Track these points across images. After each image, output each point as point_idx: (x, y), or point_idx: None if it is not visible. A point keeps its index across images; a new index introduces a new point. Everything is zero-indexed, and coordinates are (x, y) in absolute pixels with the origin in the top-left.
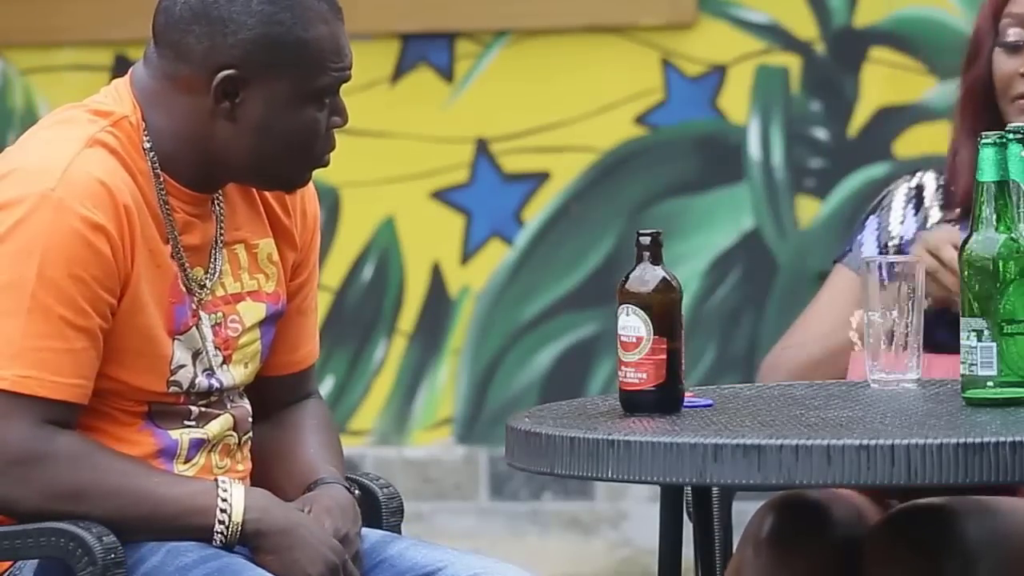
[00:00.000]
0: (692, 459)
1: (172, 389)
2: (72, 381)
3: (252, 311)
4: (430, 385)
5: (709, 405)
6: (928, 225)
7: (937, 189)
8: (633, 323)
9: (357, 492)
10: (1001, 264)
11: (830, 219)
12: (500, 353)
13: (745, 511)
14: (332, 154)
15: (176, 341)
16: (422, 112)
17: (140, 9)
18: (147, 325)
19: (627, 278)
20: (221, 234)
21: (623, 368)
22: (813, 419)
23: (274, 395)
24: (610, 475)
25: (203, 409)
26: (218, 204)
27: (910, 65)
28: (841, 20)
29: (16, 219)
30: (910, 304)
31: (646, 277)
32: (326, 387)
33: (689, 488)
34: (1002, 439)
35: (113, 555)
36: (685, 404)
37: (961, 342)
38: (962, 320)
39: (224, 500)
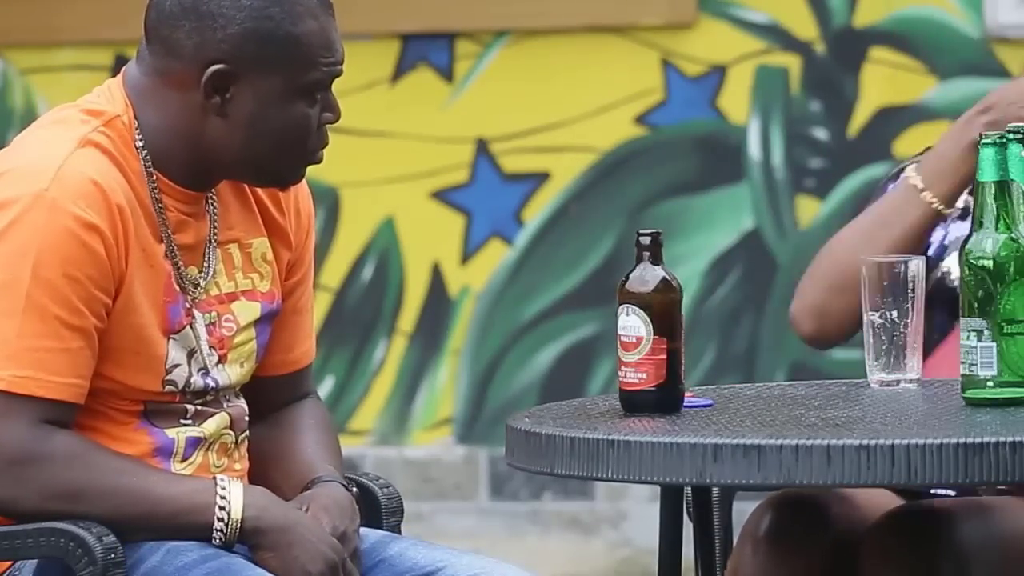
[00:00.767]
0: (692, 459)
1: (168, 388)
2: (69, 381)
3: (246, 310)
4: (430, 385)
5: (709, 405)
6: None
7: None
8: (633, 323)
9: (355, 490)
10: (1001, 264)
11: (830, 219)
12: (500, 353)
13: (745, 511)
14: (332, 155)
15: (171, 340)
16: (422, 112)
17: (140, 9)
18: (141, 324)
19: (627, 278)
20: (214, 233)
21: (623, 368)
22: (813, 419)
23: (271, 395)
24: (610, 475)
25: (199, 408)
26: (211, 203)
27: (910, 65)
28: (841, 20)
29: (10, 220)
30: (910, 304)
31: (646, 277)
32: (326, 387)
33: (689, 488)
34: (1002, 439)
35: (113, 555)
36: (685, 404)
37: (961, 342)
38: (962, 320)
39: (223, 498)
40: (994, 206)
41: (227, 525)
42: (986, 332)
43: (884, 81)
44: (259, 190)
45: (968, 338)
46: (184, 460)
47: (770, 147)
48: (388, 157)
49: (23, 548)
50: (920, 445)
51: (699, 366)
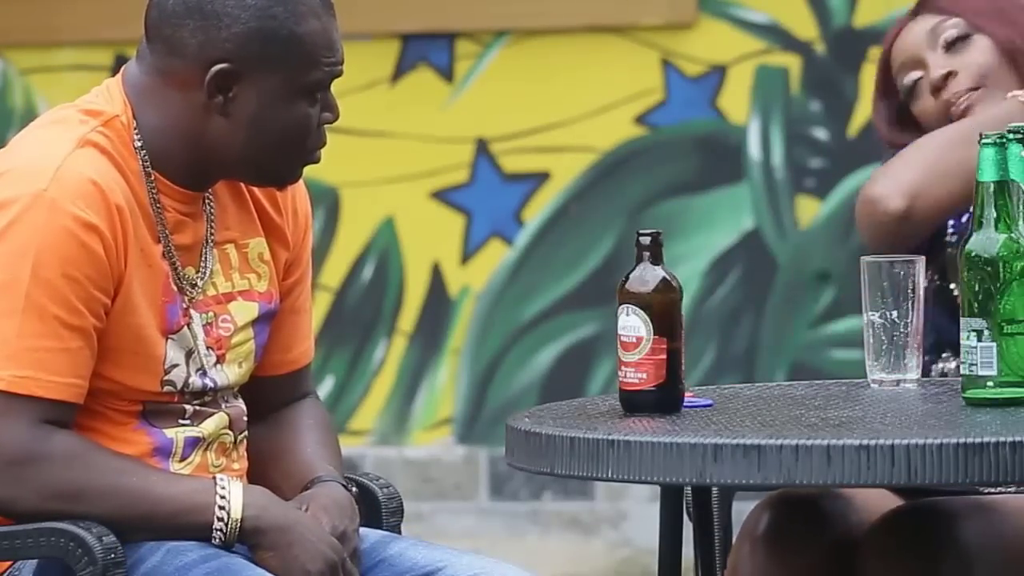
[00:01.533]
0: (692, 459)
1: (166, 388)
2: (69, 380)
3: (244, 310)
4: (430, 385)
5: (709, 405)
6: None
7: None
8: (633, 323)
9: (355, 490)
10: (1001, 264)
11: (830, 219)
12: (500, 353)
13: (745, 511)
14: (332, 155)
15: (169, 341)
16: (422, 112)
17: (140, 9)
18: (140, 324)
19: (627, 278)
20: (212, 234)
21: (623, 368)
22: (813, 419)
23: (270, 395)
24: (610, 475)
25: (197, 408)
26: (208, 204)
27: None
28: (841, 20)
29: (8, 220)
30: (910, 304)
31: (646, 277)
32: (326, 387)
33: (689, 488)
34: (1002, 439)
35: (113, 555)
36: (685, 404)
37: (961, 342)
38: (962, 320)
39: (223, 497)
40: (994, 206)
41: (227, 525)
42: (986, 332)
43: None
44: (256, 190)
45: (968, 338)
46: (183, 460)
47: (770, 147)
48: (388, 157)
49: (23, 548)
50: (920, 445)
51: (699, 366)
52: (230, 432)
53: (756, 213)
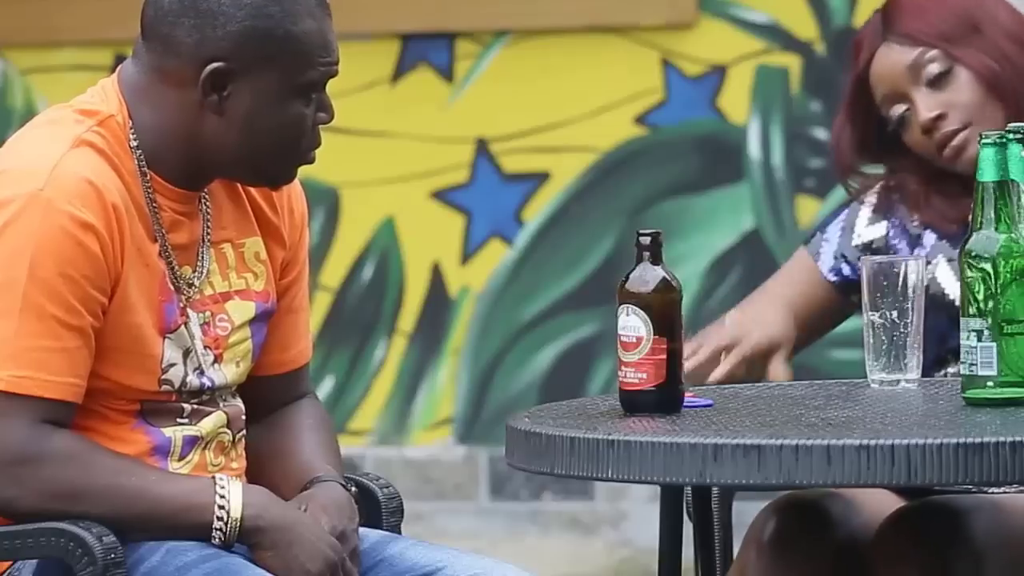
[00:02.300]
0: (692, 459)
1: (164, 388)
2: (67, 380)
3: (241, 310)
4: (430, 385)
5: (709, 405)
6: (856, 228)
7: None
8: (633, 323)
9: (355, 490)
10: (1001, 264)
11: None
12: (500, 353)
13: (745, 511)
14: (333, 154)
15: (166, 340)
16: (422, 112)
17: (140, 9)
18: (137, 324)
19: (627, 278)
20: (208, 233)
21: (623, 368)
22: (813, 419)
23: (268, 395)
24: (610, 475)
25: (195, 407)
26: (204, 203)
27: None
28: (841, 20)
29: (5, 220)
30: (910, 304)
31: (646, 277)
32: (326, 387)
33: (689, 488)
34: (1002, 439)
35: (113, 555)
36: (685, 404)
37: (961, 342)
38: (962, 320)
39: (222, 497)
40: (994, 206)
41: (226, 524)
42: (986, 332)
43: None
44: (252, 190)
45: (968, 338)
46: (181, 459)
47: (770, 147)
48: (388, 157)
49: (23, 548)
50: (920, 445)
51: None
52: (228, 431)
53: (756, 213)
